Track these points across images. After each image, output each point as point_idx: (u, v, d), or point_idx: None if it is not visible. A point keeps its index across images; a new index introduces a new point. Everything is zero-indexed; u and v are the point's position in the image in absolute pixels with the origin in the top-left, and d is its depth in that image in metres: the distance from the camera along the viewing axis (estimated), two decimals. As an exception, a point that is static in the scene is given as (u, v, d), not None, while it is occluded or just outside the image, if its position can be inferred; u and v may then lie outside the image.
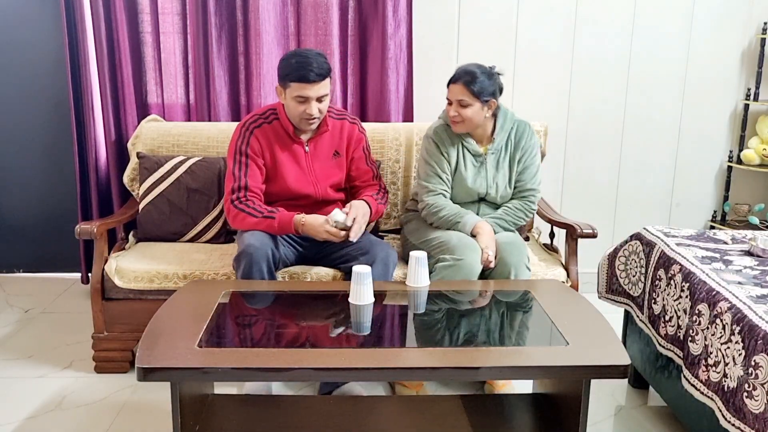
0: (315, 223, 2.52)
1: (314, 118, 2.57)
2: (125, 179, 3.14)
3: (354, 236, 2.51)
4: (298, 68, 2.48)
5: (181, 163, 3.00)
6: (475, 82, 2.57)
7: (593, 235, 2.76)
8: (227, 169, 2.67)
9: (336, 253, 2.65)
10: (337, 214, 2.50)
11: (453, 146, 2.71)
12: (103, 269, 2.70)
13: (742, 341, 1.80)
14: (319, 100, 2.54)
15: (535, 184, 2.76)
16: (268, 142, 2.64)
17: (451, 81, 2.62)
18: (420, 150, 2.83)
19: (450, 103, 2.64)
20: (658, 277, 2.35)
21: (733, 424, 1.79)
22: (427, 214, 2.72)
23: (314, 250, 2.69)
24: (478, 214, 2.73)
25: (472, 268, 2.50)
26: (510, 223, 2.72)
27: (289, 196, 2.68)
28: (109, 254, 2.81)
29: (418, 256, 2.37)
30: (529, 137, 2.75)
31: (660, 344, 2.29)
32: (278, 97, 2.62)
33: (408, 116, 3.37)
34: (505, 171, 2.73)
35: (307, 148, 2.67)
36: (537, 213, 3.12)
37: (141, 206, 3.00)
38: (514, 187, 2.76)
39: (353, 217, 2.52)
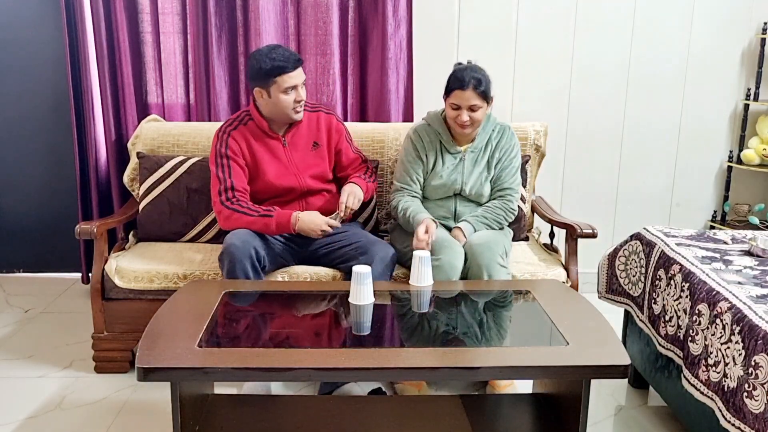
0: (308, 218, 2.57)
1: (303, 101, 2.65)
2: (125, 179, 3.14)
3: (343, 214, 2.62)
4: (282, 61, 2.55)
5: (181, 163, 3.00)
6: (482, 85, 2.60)
7: (593, 235, 2.76)
8: (211, 174, 2.69)
9: (335, 253, 2.65)
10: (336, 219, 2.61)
11: (432, 145, 2.76)
12: (103, 269, 2.70)
13: (742, 341, 1.80)
14: (301, 85, 2.64)
15: (514, 184, 2.79)
16: (246, 141, 2.69)
17: (458, 87, 2.59)
18: (400, 148, 2.87)
19: (456, 108, 2.63)
20: (658, 277, 2.35)
21: (733, 424, 1.79)
22: (395, 214, 2.77)
23: (307, 247, 2.70)
24: (455, 209, 2.76)
25: (451, 267, 2.52)
26: (491, 221, 2.73)
27: (274, 193, 2.71)
28: (109, 254, 2.81)
29: (421, 256, 2.38)
30: (509, 139, 2.79)
31: (660, 344, 2.29)
32: (258, 100, 2.66)
33: (408, 116, 3.37)
34: (482, 168, 2.76)
35: (284, 142, 2.70)
36: (537, 213, 3.13)
37: (141, 206, 3.00)
38: (493, 187, 2.79)
39: (342, 201, 2.61)
